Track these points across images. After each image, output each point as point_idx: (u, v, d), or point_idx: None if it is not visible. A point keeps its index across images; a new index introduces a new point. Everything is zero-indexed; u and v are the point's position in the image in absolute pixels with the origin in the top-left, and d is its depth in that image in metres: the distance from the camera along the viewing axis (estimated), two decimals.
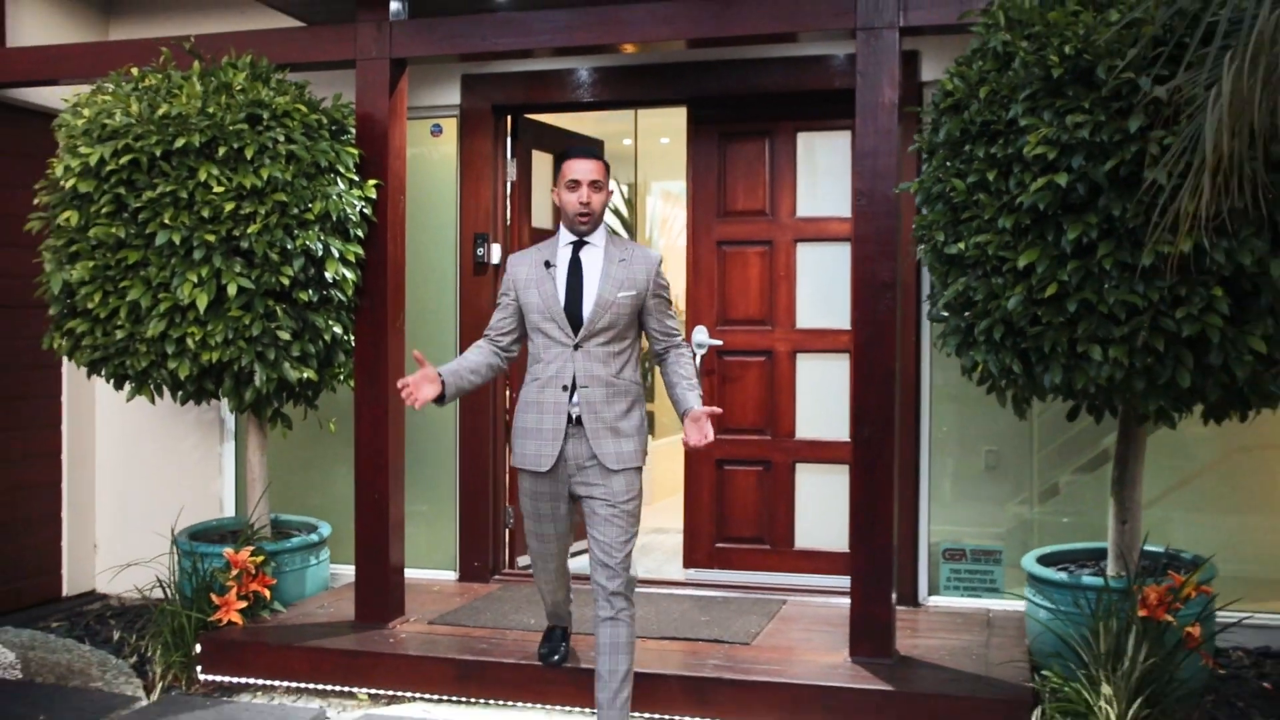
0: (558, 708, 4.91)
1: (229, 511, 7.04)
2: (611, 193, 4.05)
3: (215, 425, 7.12)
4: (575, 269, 4.25)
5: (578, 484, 4.24)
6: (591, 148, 3.87)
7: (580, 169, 4.23)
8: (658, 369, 4.45)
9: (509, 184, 6.77)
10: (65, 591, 7.09)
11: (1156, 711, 4.42)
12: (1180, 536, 5.61)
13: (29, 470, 6.83)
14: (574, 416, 4.17)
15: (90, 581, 7.26)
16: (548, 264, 4.26)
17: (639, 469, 4.26)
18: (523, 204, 6.86)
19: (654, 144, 10.62)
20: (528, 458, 4.25)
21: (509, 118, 6.75)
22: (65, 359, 6.77)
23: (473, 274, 6.62)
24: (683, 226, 7.34)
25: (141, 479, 7.18)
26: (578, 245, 4.29)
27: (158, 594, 6.56)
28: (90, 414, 7.20)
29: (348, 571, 6.48)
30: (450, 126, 6.76)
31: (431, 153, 6.73)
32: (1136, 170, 3.86)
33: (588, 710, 4.78)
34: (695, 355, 6.56)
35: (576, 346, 4.18)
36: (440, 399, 4.15)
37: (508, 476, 6.72)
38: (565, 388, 4.17)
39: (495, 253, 6.60)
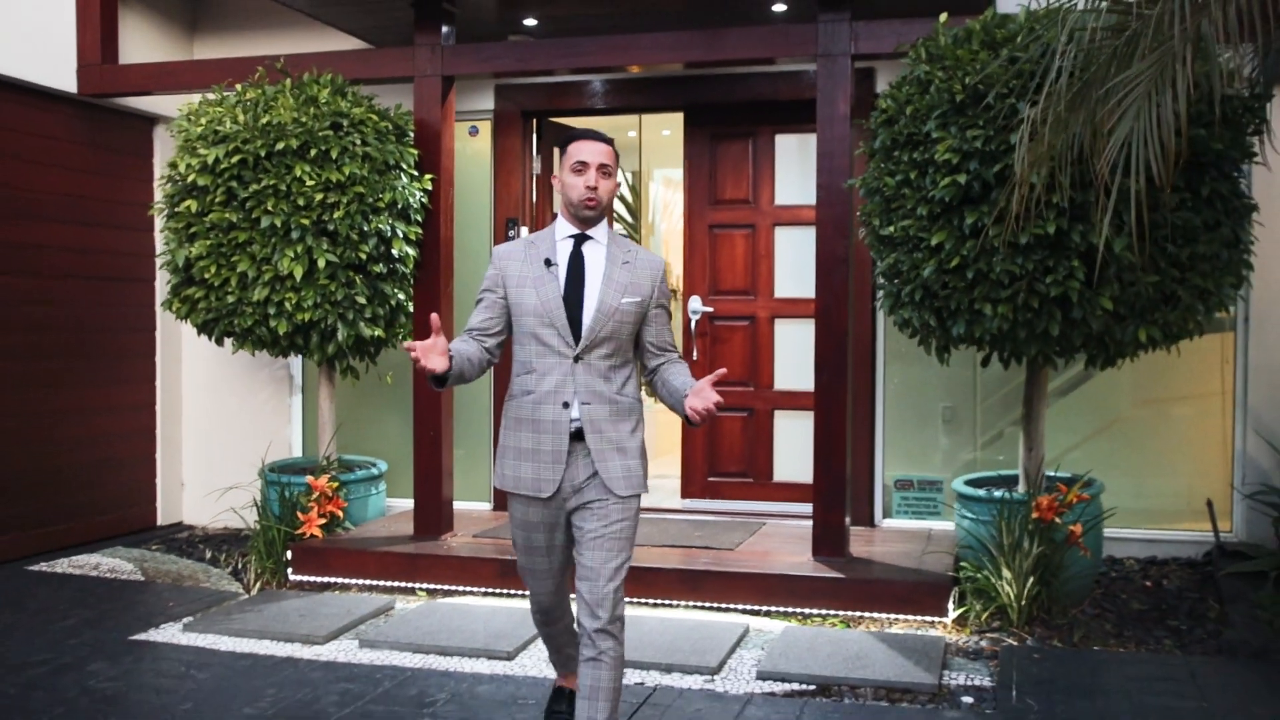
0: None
1: (297, 453, 8.33)
2: (619, 184, 3.92)
3: (285, 381, 8.41)
4: (577, 268, 3.74)
5: (574, 506, 3.74)
6: (601, 133, 3.78)
7: (589, 150, 3.72)
8: (649, 385, 4.00)
9: (534, 176, 8.03)
10: (159, 521, 8.40)
11: (1047, 591, 5.72)
12: (1094, 465, 6.86)
13: (128, 418, 8.12)
14: (576, 433, 3.70)
15: (179, 513, 8.57)
16: (548, 262, 3.72)
17: (638, 496, 3.80)
18: (546, 193, 8.12)
19: (656, 135, 11.84)
20: (524, 482, 3.74)
21: (535, 120, 8.02)
22: (158, 325, 8.13)
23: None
24: (682, 212, 8.56)
25: (222, 427, 8.47)
26: (579, 240, 3.77)
27: (236, 523, 7.95)
28: (178, 371, 8.49)
29: (398, 503, 7.83)
30: (485, 128, 8.04)
31: (469, 149, 7.99)
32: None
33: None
34: (691, 321, 7.86)
35: (577, 359, 3.67)
36: (443, 378, 3.60)
37: None
38: (566, 404, 3.68)
39: (524, 234, 7.86)
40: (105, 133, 7.84)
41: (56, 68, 7.35)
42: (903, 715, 4.62)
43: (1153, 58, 3.89)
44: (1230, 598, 6.00)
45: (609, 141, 3.80)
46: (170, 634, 5.72)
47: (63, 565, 7.15)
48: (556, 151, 3.93)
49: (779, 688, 4.94)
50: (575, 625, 3.94)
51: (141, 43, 7.94)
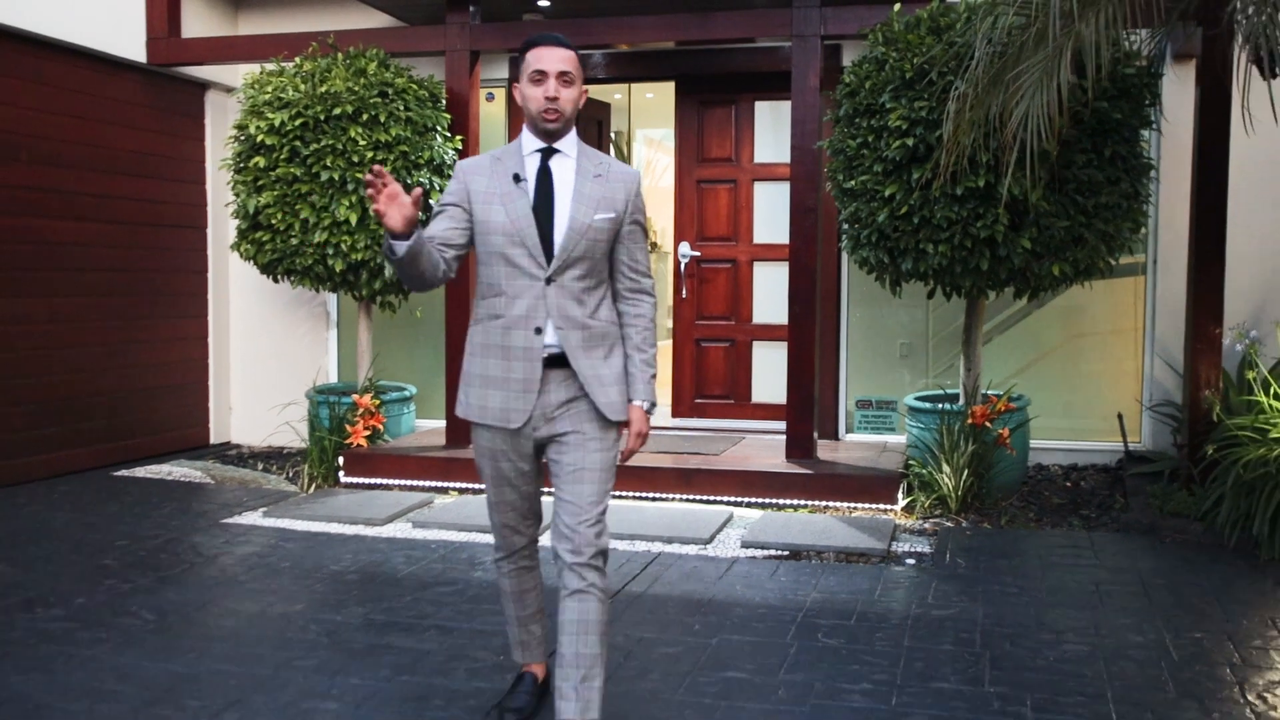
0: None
1: (334, 379, 9.42)
2: (586, 92, 3.54)
3: (323, 317, 9.50)
4: (545, 183, 3.43)
5: (544, 436, 3.51)
6: (560, 36, 3.47)
7: (547, 58, 3.40)
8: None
9: None
10: (211, 440, 9.50)
11: (979, 483, 6.91)
12: (1029, 393, 8.03)
13: (185, 349, 9.19)
14: (549, 360, 3.44)
15: (228, 434, 9.66)
16: (517, 178, 3.41)
17: (616, 426, 3.58)
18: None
19: (640, 98, 12.92)
20: (490, 411, 3.47)
21: None
22: (209, 267, 9.18)
23: None
24: (663, 169, 9.68)
25: (265, 358, 9.56)
26: (546, 154, 3.46)
27: (278, 442, 9.07)
28: (226, 309, 9.56)
29: (424, 423, 8.94)
30: (500, 94, 9.10)
31: (486, 112, 9.05)
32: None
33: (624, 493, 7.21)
34: (681, 264, 8.99)
35: (549, 280, 3.40)
36: (403, 237, 3.18)
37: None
38: (538, 329, 3.41)
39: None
40: (164, 96, 8.87)
41: (127, 39, 8.37)
42: (858, 571, 5.80)
43: (1044, 51, 5.03)
44: (1133, 492, 7.22)
45: (570, 47, 3.46)
46: (253, 519, 6.85)
47: (140, 472, 8.25)
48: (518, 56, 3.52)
49: (759, 553, 6.11)
50: (555, 565, 3.51)
51: (194, 17, 8.94)
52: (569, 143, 3.49)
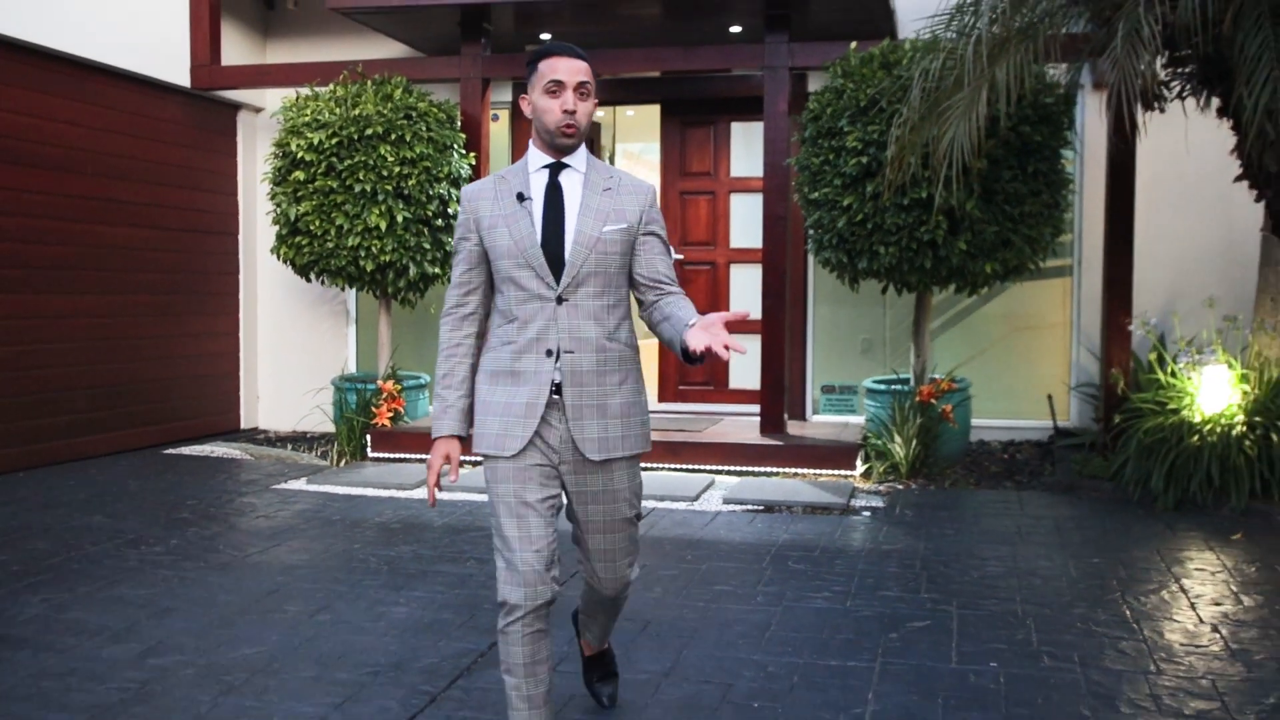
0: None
1: (353, 370, 10.43)
2: (598, 103, 3.41)
3: (343, 314, 10.52)
4: (554, 200, 3.24)
5: (564, 473, 3.28)
6: (574, 46, 3.26)
7: (564, 68, 3.18)
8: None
9: None
10: (241, 425, 10.49)
11: (926, 452, 7.99)
12: (975, 380, 9.12)
13: (216, 343, 10.19)
14: (556, 384, 3.20)
15: (255, 420, 10.66)
16: (521, 197, 3.21)
17: (636, 457, 3.36)
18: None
19: (622, 116, 14.00)
20: (486, 439, 3.23)
21: None
22: (240, 269, 10.18)
23: None
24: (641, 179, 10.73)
25: (291, 351, 10.56)
26: (555, 169, 3.26)
27: (301, 427, 10.07)
28: (255, 307, 10.56)
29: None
30: (504, 115, 10.16)
31: (492, 132, 10.10)
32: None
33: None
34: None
35: (560, 299, 3.20)
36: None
37: None
38: (550, 352, 3.20)
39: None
40: (203, 116, 9.88)
41: (173, 66, 9.38)
42: (822, 520, 6.88)
43: (965, 89, 6.14)
44: (1059, 461, 8.34)
45: (585, 58, 3.25)
46: (298, 485, 7.87)
47: (186, 450, 9.26)
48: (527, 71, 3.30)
49: (738, 508, 7.18)
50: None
51: (229, 45, 9.96)
52: (578, 157, 3.28)
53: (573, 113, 3.18)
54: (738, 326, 3.41)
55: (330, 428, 10.01)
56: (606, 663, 3.93)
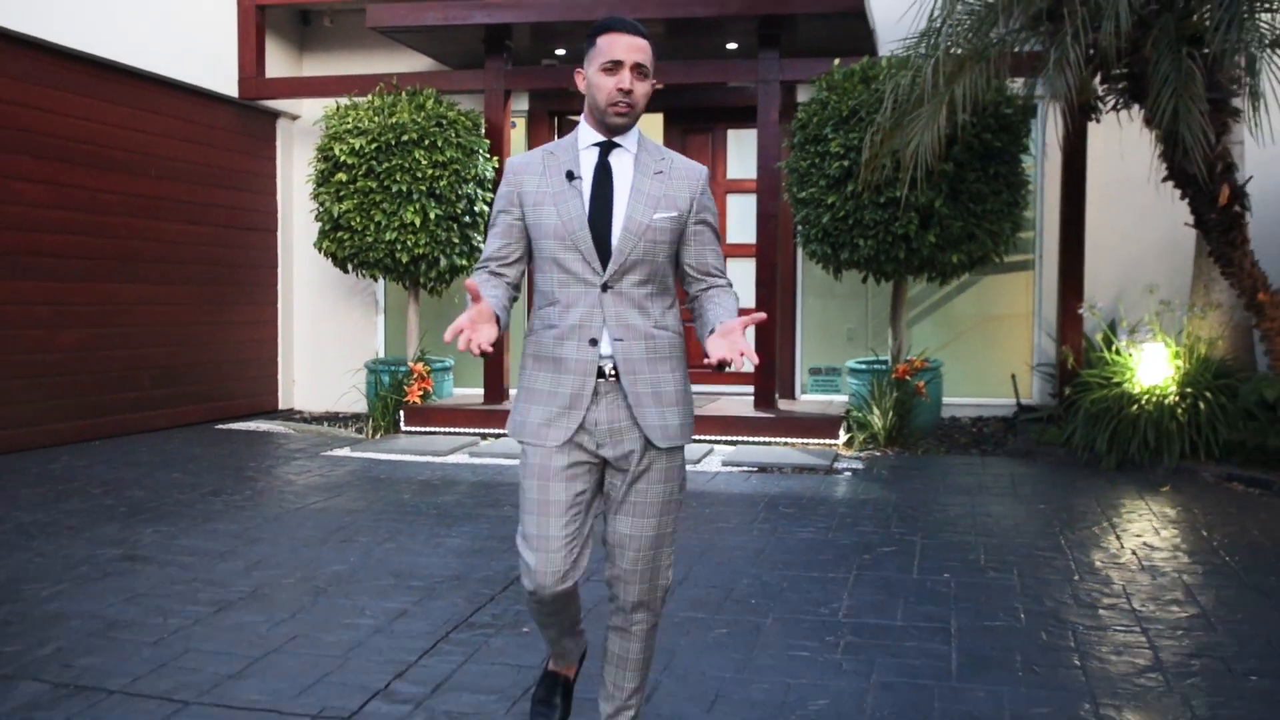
0: None
1: (383, 355, 11.35)
2: (658, 85, 3.09)
3: (372, 304, 11.44)
4: (603, 180, 3.08)
5: (607, 456, 3.09)
6: (636, 23, 3.08)
7: (623, 46, 3.00)
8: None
9: None
10: (279, 406, 11.41)
11: (902, 424, 8.94)
12: (947, 363, 10.07)
13: (258, 330, 11.11)
14: (605, 372, 3.05)
15: (292, 401, 11.59)
16: (570, 175, 3.07)
17: (683, 448, 3.22)
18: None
19: None
20: (528, 427, 3.10)
21: (555, 117, 11.10)
22: (279, 263, 11.10)
23: None
24: None
25: (324, 338, 11.48)
26: (605, 148, 3.10)
27: (335, 408, 11.00)
28: (291, 297, 11.49)
29: (459, 391, 10.89)
30: (521, 122, 11.11)
31: (512, 137, 11.03)
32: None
33: None
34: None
35: (605, 287, 3.05)
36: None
37: None
38: (594, 340, 3.04)
39: None
40: (246, 123, 10.81)
41: (223, 78, 10.32)
42: (809, 478, 7.82)
43: (928, 105, 7.11)
44: (1021, 432, 9.29)
45: (646, 35, 3.07)
46: (343, 453, 8.79)
47: (235, 426, 10.19)
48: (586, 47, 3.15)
49: (735, 469, 8.12)
50: (609, 594, 3.27)
51: (270, 58, 10.89)
52: (630, 138, 3.11)
53: (629, 92, 3.01)
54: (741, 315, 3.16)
55: (360, 408, 10.95)
56: (568, 694, 3.51)
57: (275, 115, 11.18)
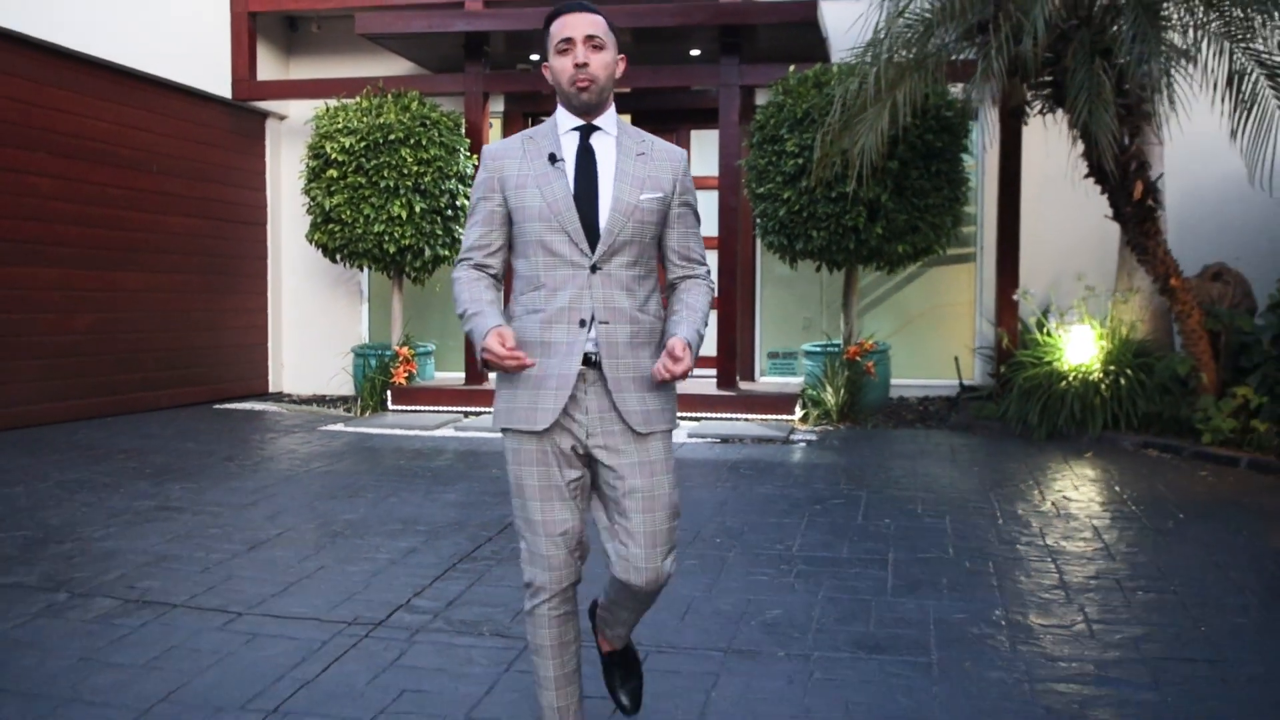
0: None
1: (367, 340, 11.97)
2: (623, 60, 3.13)
3: (357, 293, 12.06)
4: (586, 162, 3.06)
5: (596, 449, 3.03)
6: (585, 2, 3.09)
7: (572, 24, 3.02)
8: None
9: None
10: (270, 389, 12.01)
11: (853, 400, 9.67)
12: (897, 348, 10.81)
13: (250, 318, 11.71)
14: (591, 358, 3.00)
15: (281, 384, 12.18)
16: (553, 157, 3.03)
17: (670, 432, 3.12)
18: None
19: None
20: (516, 414, 3.03)
21: (529, 118, 11.76)
22: (269, 254, 11.70)
23: None
24: None
25: (311, 325, 12.09)
26: (586, 131, 3.07)
27: (321, 391, 11.61)
28: (280, 287, 12.09)
29: (440, 374, 11.53)
30: (497, 121, 11.76)
31: (490, 137, 11.67)
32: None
33: None
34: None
35: (594, 268, 3.01)
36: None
37: None
38: (583, 322, 2.99)
39: None
40: (239, 123, 11.40)
41: (217, 80, 10.91)
42: (767, 448, 8.52)
43: (871, 110, 7.84)
44: (962, 409, 10.05)
45: (596, 11, 3.09)
46: (338, 428, 9.42)
47: (232, 406, 10.79)
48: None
49: (700, 440, 8.82)
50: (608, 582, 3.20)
51: (260, 61, 11.49)
52: (608, 119, 3.10)
53: (584, 65, 2.99)
54: None
55: (346, 390, 11.56)
56: (629, 661, 3.44)
57: (264, 115, 11.77)
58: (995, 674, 3.93)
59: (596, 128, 3.07)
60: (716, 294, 10.11)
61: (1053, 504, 6.46)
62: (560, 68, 3.02)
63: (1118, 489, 6.88)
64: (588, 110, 3.05)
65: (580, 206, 3.01)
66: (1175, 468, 7.55)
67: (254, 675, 3.91)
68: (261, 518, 6.05)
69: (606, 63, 3.03)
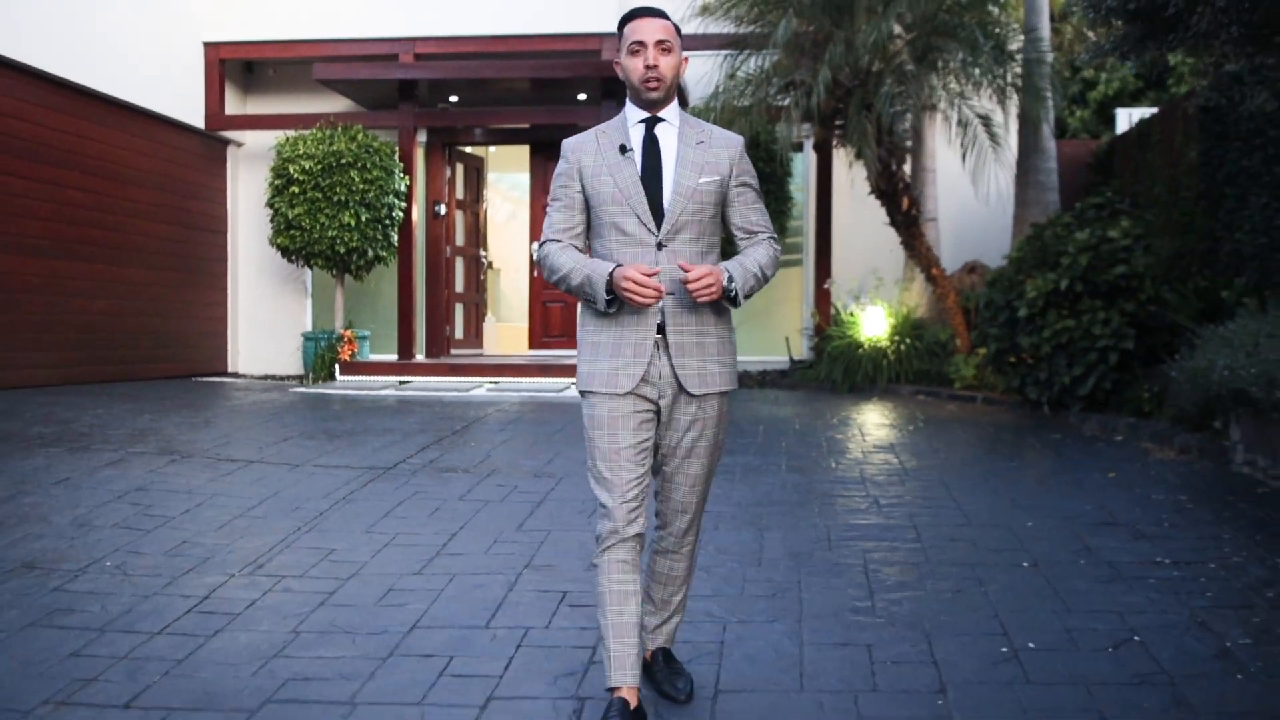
0: (526, 379, 12.35)
1: (310, 329, 14.10)
2: (687, 60, 3.38)
3: (302, 290, 14.20)
4: (652, 151, 3.33)
5: (665, 407, 3.32)
6: (656, 7, 3.38)
7: (644, 29, 3.29)
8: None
9: (447, 178, 14.08)
10: (229, 370, 14.08)
11: None
12: (742, 330, 13.32)
13: (213, 309, 13.77)
14: (660, 327, 3.27)
15: (237, 366, 14.23)
16: (623, 148, 3.31)
17: (727, 394, 3.42)
18: (451, 188, 14.18)
19: (493, 152, 17.97)
20: (598, 378, 3.30)
21: (447, 148, 14.08)
22: (228, 258, 13.84)
23: (431, 219, 13.94)
24: (502, 201, 14.72)
25: (262, 315, 14.17)
26: (651, 123, 3.36)
27: (272, 371, 13.76)
28: (237, 284, 14.17)
29: (374, 356, 13.76)
30: (420, 150, 14.05)
31: (418, 161, 13.94)
32: None
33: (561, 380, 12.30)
34: (533, 255, 14.11)
35: (660, 245, 3.26)
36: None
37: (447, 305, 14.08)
38: None
39: (442, 209, 13.88)
40: (207, 148, 13.48)
41: (193, 111, 13.02)
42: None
43: None
44: (790, 376, 12.64)
45: (666, 17, 3.34)
46: (300, 390, 11.56)
47: (204, 380, 12.88)
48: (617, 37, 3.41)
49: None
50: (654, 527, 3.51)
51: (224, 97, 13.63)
52: (671, 112, 3.37)
53: (654, 67, 3.26)
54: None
55: (293, 370, 13.67)
56: (675, 660, 3.71)
57: (226, 143, 13.88)
58: (808, 530, 6.43)
59: (661, 119, 3.38)
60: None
61: (858, 428, 9.03)
62: (632, 67, 3.32)
63: (896, 418, 9.48)
64: (654, 105, 3.36)
65: (647, 189, 3.30)
66: (935, 405, 10.21)
67: (301, 496, 6.23)
68: (279, 429, 8.27)
69: (673, 64, 3.33)
